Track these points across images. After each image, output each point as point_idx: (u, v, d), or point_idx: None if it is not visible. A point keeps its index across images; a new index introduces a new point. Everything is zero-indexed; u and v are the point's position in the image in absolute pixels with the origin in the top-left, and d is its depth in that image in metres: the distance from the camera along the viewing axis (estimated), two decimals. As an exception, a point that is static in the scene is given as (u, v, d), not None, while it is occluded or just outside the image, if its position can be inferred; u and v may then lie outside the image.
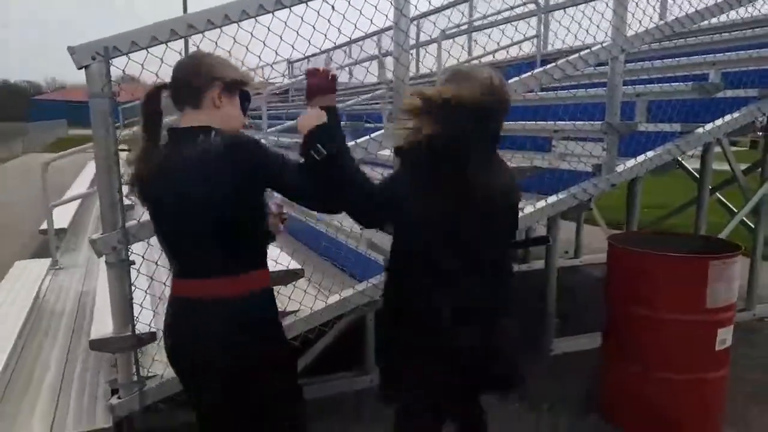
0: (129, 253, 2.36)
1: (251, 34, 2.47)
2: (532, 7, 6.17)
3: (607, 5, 3.43)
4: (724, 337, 2.77)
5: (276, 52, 2.60)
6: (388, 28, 3.06)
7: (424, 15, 5.88)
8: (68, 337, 3.47)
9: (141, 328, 2.46)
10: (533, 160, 3.53)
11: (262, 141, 1.80)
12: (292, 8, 2.49)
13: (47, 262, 4.66)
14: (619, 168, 3.42)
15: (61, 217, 5.49)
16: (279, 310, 2.69)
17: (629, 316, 2.86)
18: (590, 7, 5.06)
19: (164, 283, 2.90)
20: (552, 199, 3.27)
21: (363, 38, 8.47)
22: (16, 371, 3.04)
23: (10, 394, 2.81)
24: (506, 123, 4.35)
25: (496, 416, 2.90)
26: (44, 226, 5.17)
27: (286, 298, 2.82)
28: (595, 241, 6.29)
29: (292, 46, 2.69)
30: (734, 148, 4.34)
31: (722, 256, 2.73)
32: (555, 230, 3.76)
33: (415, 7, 2.93)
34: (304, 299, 2.88)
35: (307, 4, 2.55)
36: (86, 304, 4.00)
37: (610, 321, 3.02)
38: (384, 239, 3.22)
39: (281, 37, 2.54)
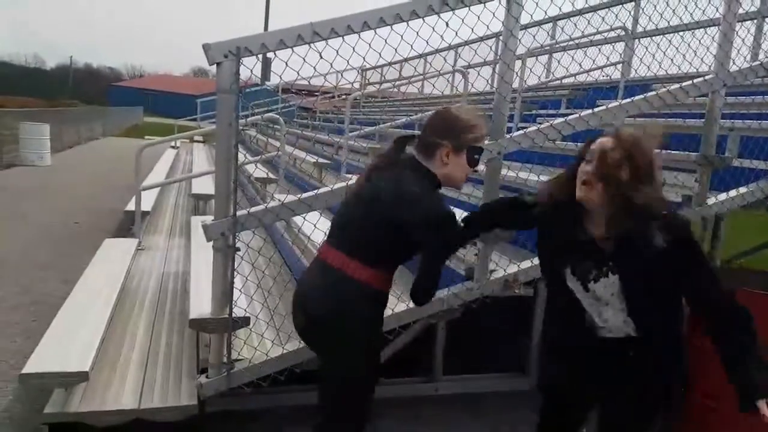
0: (236, 240, 2.49)
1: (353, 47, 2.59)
2: (619, 32, 6.11)
3: (693, 35, 3.39)
4: None
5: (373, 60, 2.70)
6: (474, 41, 3.15)
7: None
8: (152, 316, 3.67)
9: (237, 312, 2.59)
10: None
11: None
12: (409, 23, 2.59)
13: (134, 242, 4.92)
14: (710, 201, 3.36)
15: (145, 200, 5.80)
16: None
17: (708, 353, 2.78)
18: (678, 36, 5.06)
19: (263, 272, 3.06)
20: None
21: (434, 52, 8.60)
22: (106, 342, 3.22)
23: (102, 363, 2.98)
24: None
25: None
26: (131, 207, 5.49)
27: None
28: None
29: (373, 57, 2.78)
30: None
31: None
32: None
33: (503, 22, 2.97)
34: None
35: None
36: (167, 285, 4.23)
37: (692, 353, 2.95)
38: (464, 250, 3.28)
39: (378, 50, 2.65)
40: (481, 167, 2.08)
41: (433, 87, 9.67)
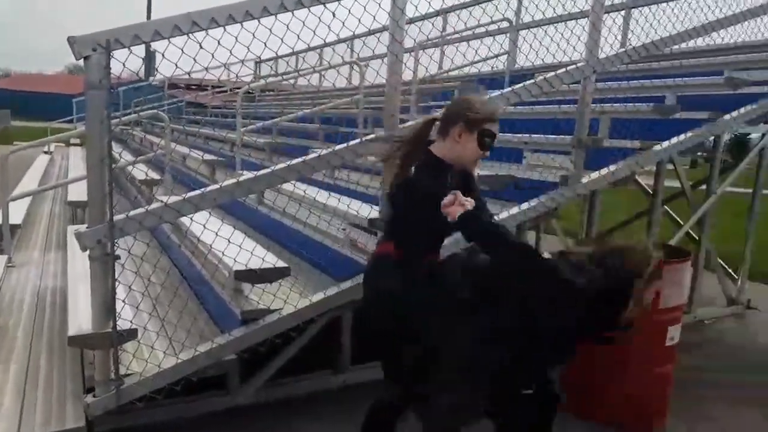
0: (116, 247, 2.32)
1: (236, 38, 2.51)
2: (504, 24, 6.40)
3: (566, 26, 3.63)
4: (673, 334, 3.02)
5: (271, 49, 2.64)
6: (364, 34, 3.18)
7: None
8: (29, 336, 3.35)
9: (122, 324, 2.42)
10: (509, 170, 3.67)
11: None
12: (294, 12, 2.53)
13: (1, 259, 4.46)
14: (585, 179, 3.61)
15: (14, 212, 5.27)
16: (264, 307, 2.73)
17: None
18: (553, 27, 5.38)
19: (149, 279, 2.88)
20: (525, 205, 3.43)
21: (335, 42, 8.56)
22: (-23, 370, 2.91)
23: (-27, 392, 2.69)
24: None
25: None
26: (-2, 221, 4.96)
27: (272, 296, 2.83)
28: (550, 248, 6.54)
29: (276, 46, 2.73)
30: (671, 167, 4.67)
31: (675, 261, 2.96)
32: (522, 237, 3.90)
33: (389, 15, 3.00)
34: (289, 297, 2.90)
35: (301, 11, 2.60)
36: (45, 301, 3.88)
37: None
38: (369, 241, 3.29)
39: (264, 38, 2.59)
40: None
41: (323, 78, 9.58)
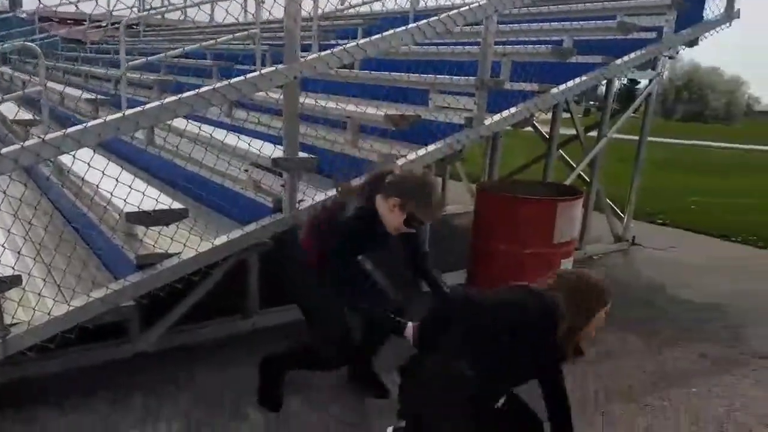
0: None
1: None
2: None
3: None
4: (566, 266, 3.25)
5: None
6: None
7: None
8: None
9: (3, 271, 2.22)
10: (415, 111, 3.67)
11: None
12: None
13: None
14: (487, 121, 3.70)
15: None
16: (162, 251, 2.62)
17: (491, 250, 3.21)
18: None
19: (30, 223, 2.63)
20: (431, 147, 3.46)
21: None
22: None
23: None
24: (388, 75, 4.44)
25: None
26: None
27: (169, 239, 2.70)
28: (455, 194, 6.76)
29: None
30: (566, 115, 4.92)
31: (568, 199, 3.16)
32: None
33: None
34: (188, 240, 2.78)
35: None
36: None
37: (474, 255, 3.34)
38: (273, 182, 3.20)
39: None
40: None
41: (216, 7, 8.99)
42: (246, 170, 3.44)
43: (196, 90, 2.67)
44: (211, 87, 2.70)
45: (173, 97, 2.61)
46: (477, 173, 6.98)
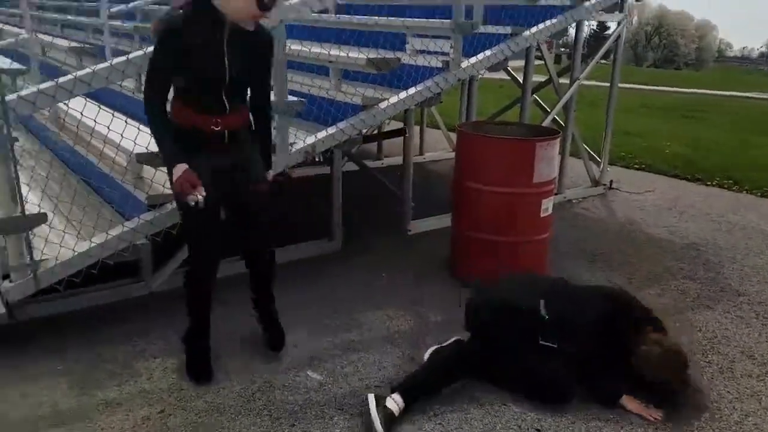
0: (11, 129, 2.29)
1: None
2: None
3: None
4: (547, 206, 3.42)
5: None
6: None
7: None
8: None
9: (30, 209, 2.43)
10: (395, 55, 3.86)
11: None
12: None
13: None
14: (464, 64, 3.93)
15: None
16: (170, 192, 2.73)
17: (472, 190, 3.40)
18: None
19: (50, 163, 2.82)
20: (411, 90, 3.68)
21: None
22: None
23: None
24: (362, 19, 4.52)
25: (367, 282, 3.42)
26: None
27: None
28: (432, 141, 6.99)
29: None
30: (538, 62, 5.04)
31: (546, 139, 3.35)
32: (410, 124, 4.21)
33: None
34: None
35: None
36: None
37: (457, 196, 3.57)
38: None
39: None
40: (270, 18, 2.16)
41: None
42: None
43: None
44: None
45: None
46: (453, 122, 7.23)
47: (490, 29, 4.20)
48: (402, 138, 4.27)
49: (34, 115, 3.52)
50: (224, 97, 2.19)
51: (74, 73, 2.54)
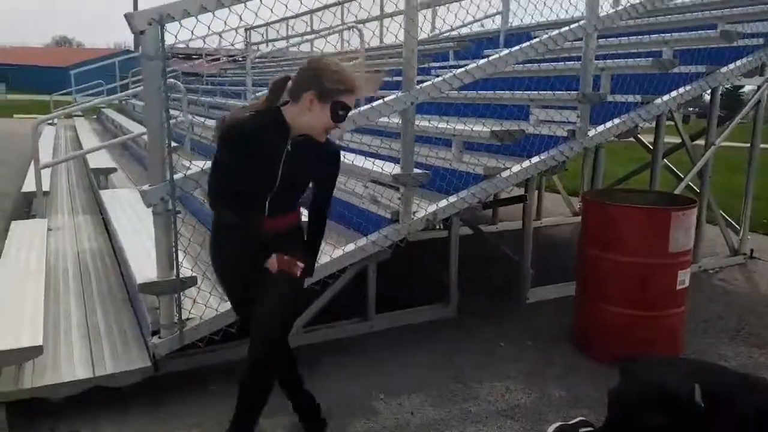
0: (175, 203, 2.58)
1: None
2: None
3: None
4: (683, 278, 3.22)
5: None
6: None
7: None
8: (80, 292, 3.64)
9: (183, 272, 2.69)
10: (519, 125, 3.90)
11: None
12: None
13: (42, 222, 4.71)
14: (591, 132, 3.86)
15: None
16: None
17: (602, 261, 3.27)
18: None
19: (194, 227, 3.12)
20: (535, 159, 3.68)
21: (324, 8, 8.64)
22: (44, 319, 3.17)
23: (45, 339, 2.93)
24: (491, 93, 4.66)
25: (492, 355, 3.36)
26: (29, 187, 5.22)
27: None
28: (550, 205, 6.84)
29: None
30: (669, 123, 4.83)
31: (682, 208, 3.18)
32: (531, 191, 4.18)
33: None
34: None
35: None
36: (86, 262, 4.16)
37: (585, 266, 3.45)
38: (393, 196, 3.53)
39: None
40: (341, 129, 2.11)
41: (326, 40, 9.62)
42: (366, 186, 3.81)
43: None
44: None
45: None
46: (573, 186, 7.06)
47: (619, 98, 4.12)
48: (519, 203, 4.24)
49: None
50: (267, 203, 2.09)
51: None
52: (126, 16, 2.35)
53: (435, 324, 3.80)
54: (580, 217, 6.42)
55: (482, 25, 7.15)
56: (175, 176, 2.56)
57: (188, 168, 2.72)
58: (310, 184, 2.19)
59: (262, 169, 2.01)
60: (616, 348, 3.12)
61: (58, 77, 16.03)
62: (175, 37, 2.61)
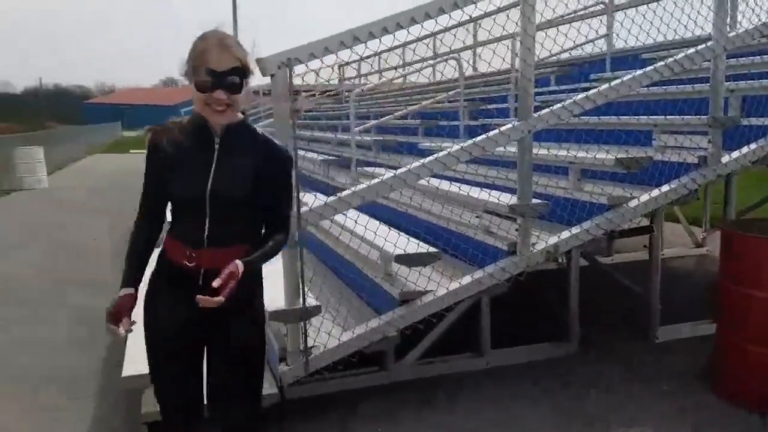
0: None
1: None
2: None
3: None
4: None
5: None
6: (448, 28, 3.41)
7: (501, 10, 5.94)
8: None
9: (309, 302, 2.78)
10: (646, 152, 3.70)
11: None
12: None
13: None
14: (725, 159, 3.59)
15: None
16: (421, 289, 3.01)
17: (751, 299, 2.97)
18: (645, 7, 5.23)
19: (326, 263, 3.25)
20: (665, 188, 3.46)
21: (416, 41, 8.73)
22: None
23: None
24: (614, 118, 4.43)
25: (621, 397, 3.16)
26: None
27: (426, 278, 3.11)
28: (671, 235, 6.40)
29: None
30: None
31: None
32: (658, 221, 3.93)
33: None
34: (435, 280, 3.19)
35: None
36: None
37: (728, 303, 3.14)
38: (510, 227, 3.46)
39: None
40: (220, 95, 1.67)
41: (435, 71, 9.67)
42: (478, 217, 3.76)
43: (447, 150, 3.10)
44: (459, 146, 3.12)
45: (430, 158, 3.05)
46: (694, 215, 6.57)
47: (754, 121, 3.80)
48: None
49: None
50: (206, 225, 1.73)
51: (370, 189, 2.92)
52: (257, 61, 2.48)
53: (555, 362, 3.62)
54: (703, 249, 6.10)
55: (582, 49, 6.95)
56: (302, 209, 2.66)
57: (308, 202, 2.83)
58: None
59: (191, 175, 1.74)
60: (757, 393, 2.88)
61: (167, 114, 17.23)
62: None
